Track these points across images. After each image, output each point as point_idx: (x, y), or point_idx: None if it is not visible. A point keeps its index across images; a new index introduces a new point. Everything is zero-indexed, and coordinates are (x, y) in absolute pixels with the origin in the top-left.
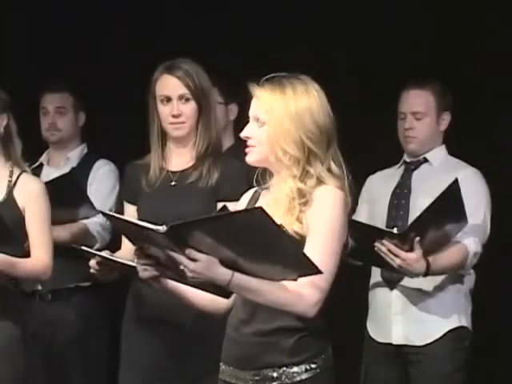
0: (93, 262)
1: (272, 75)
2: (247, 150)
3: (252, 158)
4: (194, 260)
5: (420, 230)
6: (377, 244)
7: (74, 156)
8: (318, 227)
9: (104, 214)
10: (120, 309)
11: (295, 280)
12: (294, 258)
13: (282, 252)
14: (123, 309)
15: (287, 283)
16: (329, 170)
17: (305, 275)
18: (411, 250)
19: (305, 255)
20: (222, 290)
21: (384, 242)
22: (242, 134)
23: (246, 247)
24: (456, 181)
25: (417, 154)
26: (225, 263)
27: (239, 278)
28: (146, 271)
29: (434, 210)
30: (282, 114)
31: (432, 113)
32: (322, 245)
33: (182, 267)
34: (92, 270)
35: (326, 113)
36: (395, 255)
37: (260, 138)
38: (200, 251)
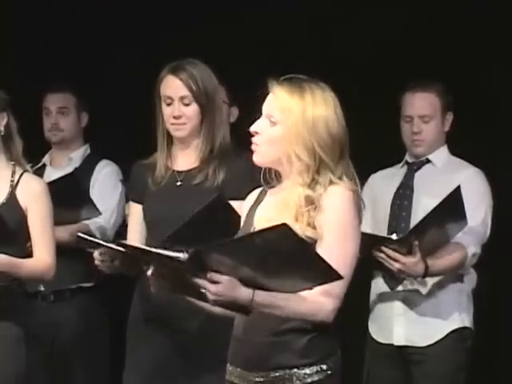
0: (96, 254)
1: (290, 76)
2: (253, 147)
3: (259, 157)
4: (215, 283)
5: (419, 235)
6: (374, 251)
7: (76, 156)
8: (332, 232)
9: (119, 243)
10: (122, 309)
11: (310, 289)
12: (315, 269)
13: (304, 265)
14: (125, 309)
15: (304, 292)
16: (340, 179)
17: (324, 283)
18: (410, 252)
19: (327, 264)
20: (242, 309)
21: (383, 248)
22: (252, 128)
23: (267, 264)
24: (458, 188)
25: (422, 156)
26: (243, 281)
27: (260, 295)
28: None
29: (434, 216)
30: (298, 118)
31: (438, 114)
32: (337, 249)
33: (203, 291)
34: (96, 262)
35: (341, 123)
36: (394, 260)
37: (269, 136)
38: (220, 272)
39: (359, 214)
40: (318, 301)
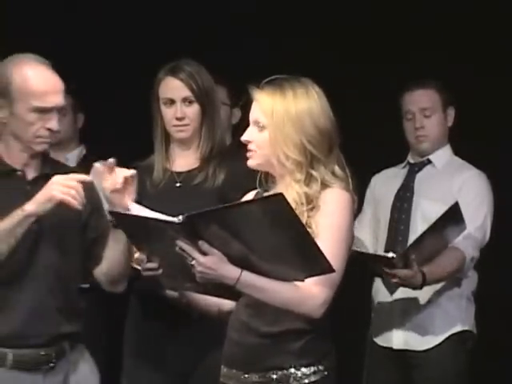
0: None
1: (273, 77)
2: (248, 154)
3: (253, 162)
4: (204, 254)
5: (417, 249)
6: (372, 265)
7: (72, 157)
8: (326, 230)
9: (112, 212)
10: (120, 310)
11: (302, 281)
12: (307, 252)
13: (296, 245)
14: (123, 310)
15: (295, 283)
16: (332, 173)
17: (315, 274)
18: (406, 265)
19: (319, 249)
20: (229, 292)
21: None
22: (243, 138)
23: (260, 240)
24: (456, 204)
25: (427, 153)
26: (235, 262)
27: (247, 276)
28: (148, 271)
29: (432, 232)
30: (282, 118)
31: (439, 109)
32: (331, 247)
33: (192, 262)
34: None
35: (327, 115)
36: (392, 275)
37: (260, 142)
38: (212, 245)
39: (353, 215)
40: (308, 292)
